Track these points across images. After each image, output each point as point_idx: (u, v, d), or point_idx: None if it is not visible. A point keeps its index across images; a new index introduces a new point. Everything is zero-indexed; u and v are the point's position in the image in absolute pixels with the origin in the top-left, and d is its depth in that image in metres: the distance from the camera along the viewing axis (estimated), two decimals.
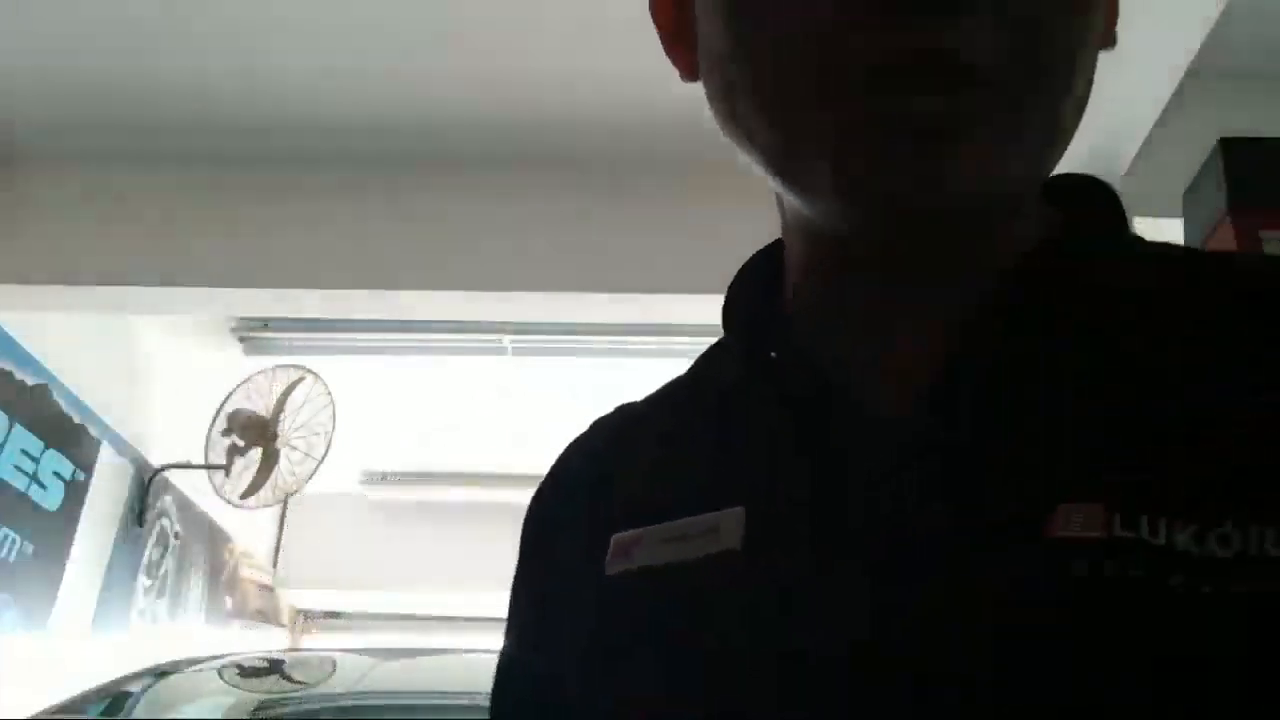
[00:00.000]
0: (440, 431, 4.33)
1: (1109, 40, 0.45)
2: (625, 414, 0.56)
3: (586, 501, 0.51)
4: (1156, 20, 1.72)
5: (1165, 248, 0.47)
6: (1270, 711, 0.32)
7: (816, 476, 0.42)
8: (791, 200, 0.45)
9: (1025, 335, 0.41)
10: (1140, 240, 0.48)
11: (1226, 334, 0.39)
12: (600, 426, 0.57)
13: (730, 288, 0.52)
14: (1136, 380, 0.39)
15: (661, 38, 0.50)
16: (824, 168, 0.40)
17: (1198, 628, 0.33)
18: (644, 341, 3.28)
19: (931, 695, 0.35)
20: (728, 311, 0.51)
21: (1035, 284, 0.43)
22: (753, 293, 0.51)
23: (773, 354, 0.47)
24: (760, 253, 0.52)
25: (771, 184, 0.45)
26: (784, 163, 0.42)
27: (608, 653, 0.45)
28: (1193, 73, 1.84)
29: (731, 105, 0.43)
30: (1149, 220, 2.26)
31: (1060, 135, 0.41)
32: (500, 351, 3.39)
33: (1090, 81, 0.42)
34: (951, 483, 0.39)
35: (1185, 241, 1.66)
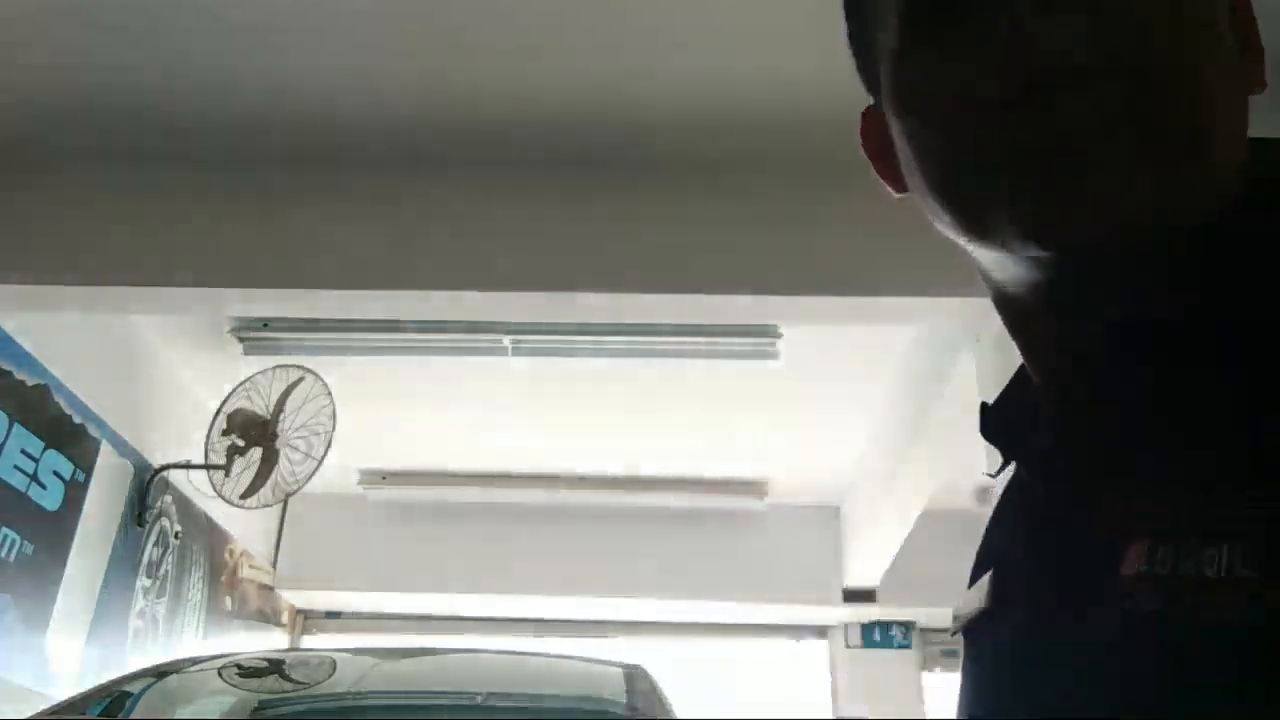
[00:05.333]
0: (440, 431, 4.33)
1: (1256, 83, 0.49)
2: None
3: None
4: None
5: None
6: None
7: (1027, 546, 0.52)
8: (988, 271, 0.53)
9: (1116, 379, 0.49)
10: None
11: None
12: None
13: (996, 400, 0.60)
14: (1217, 409, 0.42)
15: (872, 162, 0.58)
16: (1002, 215, 0.46)
17: (1179, 648, 0.36)
18: (643, 341, 3.28)
19: None
20: (983, 416, 0.60)
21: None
22: (1009, 397, 0.59)
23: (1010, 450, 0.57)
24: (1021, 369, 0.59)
25: (975, 259, 0.53)
26: (972, 228, 0.48)
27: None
28: None
29: (926, 199, 0.51)
30: None
31: (1204, 168, 0.44)
32: (500, 351, 3.39)
33: (1236, 111, 0.46)
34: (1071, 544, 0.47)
35: None
